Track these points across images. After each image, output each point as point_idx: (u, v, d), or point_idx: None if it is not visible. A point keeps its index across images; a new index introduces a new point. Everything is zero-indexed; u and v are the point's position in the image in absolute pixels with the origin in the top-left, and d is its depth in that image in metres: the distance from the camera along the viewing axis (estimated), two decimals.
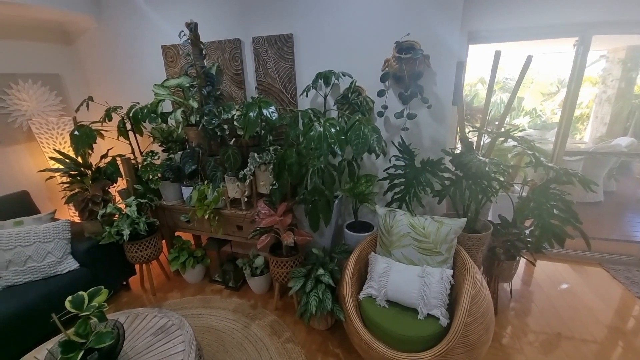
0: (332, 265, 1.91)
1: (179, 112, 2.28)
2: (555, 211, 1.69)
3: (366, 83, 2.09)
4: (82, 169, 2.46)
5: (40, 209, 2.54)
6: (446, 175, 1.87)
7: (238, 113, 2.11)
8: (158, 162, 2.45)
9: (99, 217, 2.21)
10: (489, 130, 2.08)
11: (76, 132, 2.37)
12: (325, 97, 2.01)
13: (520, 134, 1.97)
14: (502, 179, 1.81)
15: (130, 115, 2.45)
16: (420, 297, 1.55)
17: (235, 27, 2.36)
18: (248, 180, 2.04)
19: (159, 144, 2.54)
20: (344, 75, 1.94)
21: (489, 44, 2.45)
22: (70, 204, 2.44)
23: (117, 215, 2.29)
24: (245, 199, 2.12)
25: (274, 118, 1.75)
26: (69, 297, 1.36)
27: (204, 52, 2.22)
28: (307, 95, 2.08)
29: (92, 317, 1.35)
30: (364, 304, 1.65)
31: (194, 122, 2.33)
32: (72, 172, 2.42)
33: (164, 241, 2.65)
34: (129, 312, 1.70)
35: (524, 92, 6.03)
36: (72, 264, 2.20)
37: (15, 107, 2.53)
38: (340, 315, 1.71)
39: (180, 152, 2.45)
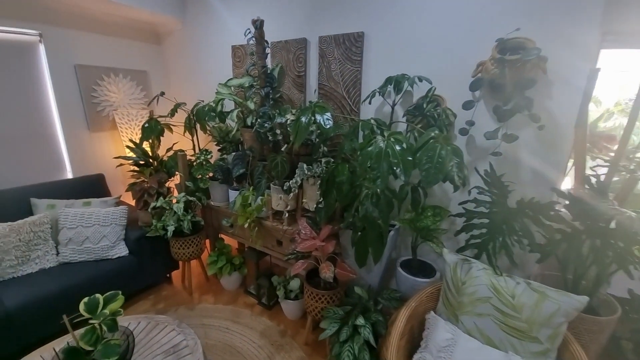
0: (376, 315, 1.50)
1: (235, 113, 2.15)
2: None
3: (448, 92, 1.63)
4: (149, 159, 2.53)
5: (111, 192, 2.69)
6: (556, 225, 1.29)
7: (292, 118, 1.86)
8: (212, 161, 2.37)
9: (149, 209, 2.19)
10: (629, 165, 1.42)
11: (146, 125, 2.43)
12: (393, 106, 1.62)
13: None
14: None
15: (194, 112, 2.43)
16: None
17: (303, 25, 2.14)
18: (292, 194, 1.77)
19: (216, 143, 2.46)
20: (420, 80, 1.52)
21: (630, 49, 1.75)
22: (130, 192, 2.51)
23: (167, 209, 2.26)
24: (287, 214, 1.85)
25: (327, 126, 1.43)
26: (85, 299, 1.24)
27: (267, 51, 2.05)
28: (370, 103, 1.71)
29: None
30: None
31: (249, 124, 2.17)
32: (140, 162, 2.51)
33: (207, 240, 2.57)
34: (152, 318, 1.56)
35: None
36: (122, 250, 2.22)
37: (105, 97, 2.74)
38: None
39: (233, 153, 2.32)
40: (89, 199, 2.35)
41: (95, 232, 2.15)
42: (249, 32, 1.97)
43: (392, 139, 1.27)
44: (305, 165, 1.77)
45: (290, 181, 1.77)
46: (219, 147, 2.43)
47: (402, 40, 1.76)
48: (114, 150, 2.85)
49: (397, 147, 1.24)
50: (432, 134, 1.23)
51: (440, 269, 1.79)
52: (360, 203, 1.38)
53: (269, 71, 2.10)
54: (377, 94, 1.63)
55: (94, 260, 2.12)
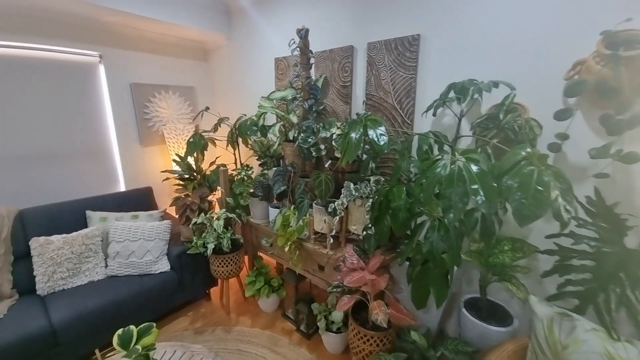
0: None
1: (277, 127, 2.03)
2: None
3: (531, 98, 1.32)
4: (193, 173, 2.52)
5: (158, 205, 2.72)
6: None
7: (338, 132, 1.67)
8: (252, 176, 2.27)
9: (191, 225, 2.14)
10: None
11: (191, 139, 2.43)
12: (460, 118, 1.35)
13: None
14: None
15: (237, 126, 2.38)
16: None
17: (349, 32, 1.97)
18: (338, 217, 1.56)
19: (257, 157, 2.37)
20: (496, 85, 1.25)
21: None
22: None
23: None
24: (331, 240, 1.65)
25: (381, 143, 1.22)
26: (119, 331, 1.15)
27: (311, 62, 1.91)
28: (434, 114, 1.46)
29: None
30: None
31: (291, 138, 2.04)
32: (184, 176, 2.51)
33: (246, 257, 2.46)
34: (187, 348, 1.44)
35: None
36: (164, 266, 2.19)
37: (156, 113, 2.82)
38: None
39: (274, 169, 2.20)
40: (137, 212, 2.38)
41: (141, 246, 2.14)
42: (293, 43, 1.84)
43: (466, 159, 1.01)
44: (352, 185, 1.56)
45: (336, 202, 1.57)
46: (260, 162, 2.33)
47: (469, 40, 1.49)
48: (162, 164, 2.90)
49: (474, 168, 0.98)
50: (523, 153, 0.95)
51: (518, 314, 1.45)
52: (426, 236, 1.13)
53: (312, 82, 1.96)
54: (441, 104, 1.37)
55: (138, 275, 2.10)
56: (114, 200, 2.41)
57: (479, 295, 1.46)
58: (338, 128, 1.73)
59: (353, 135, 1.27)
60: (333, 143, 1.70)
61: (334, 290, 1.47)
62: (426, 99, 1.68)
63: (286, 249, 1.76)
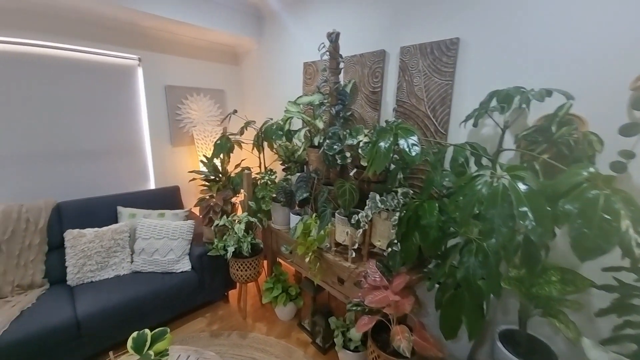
0: None
1: (302, 132, 1.98)
2: None
3: (590, 110, 1.16)
4: (219, 175, 2.54)
5: (184, 204, 2.78)
6: None
7: (365, 140, 1.59)
8: (276, 181, 2.23)
9: (213, 227, 2.14)
10: None
11: (218, 142, 2.44)
12: (504, 129, 1.21)
13: None
14: None
15: (263, 130, 2.36)
16: None
17: (382, 36, 1.88)
18: (361, 230, 1.47)
19: (281, 162, 2.33)
20: (549, 93, 1.10)
21: None
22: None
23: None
24: (353, 253, 1.56)
25: (413, 153, 1.12)
26: (134, 334, 1.13)
27: (340, 66, 1.84)
28: (475, 125, 1.32)
29: None
30: None
31: (316, 143, 1.98)
32: (210, 177, 2.53)
33: (266, 261, 2.42)
34: (201, 354, 1.41)
35: None
36: (186, 265, 2.20)
37: (187, 115, 2.89)
38: None
39: (298, 174, 2.15)
40: (163, 210, 2.43)
41: (164, 244, 2.18)
42: (323, 47, 1.79)
43: (512, 176, 0.89)
44: (378, 197, 1.46)
45: (360, 214, 1.48)
46: (284, 167, 2.29)
47: (516, 44, 1.35)
48: (190, 164, 2.96)
49: (522, 188, 0.85)
50: (585, 173, 0.81)
51: (563, 353, 1.26)
52: (462, 260, 1.00)
53: (341, 87, 1.89)
54: (484, 113, 1.23)
55: (160, 273, 2.13)
56: (144, 197, 2.48)
57: (517, 327, 1.30)
58: (365, 135, 1.64)
59: (382, 144, 1.18)
60: (359, 151, 1.62)
61: (354, 308, 1.38)
62: (463, 107, 1.55)
63: (306, 259, 1.69)
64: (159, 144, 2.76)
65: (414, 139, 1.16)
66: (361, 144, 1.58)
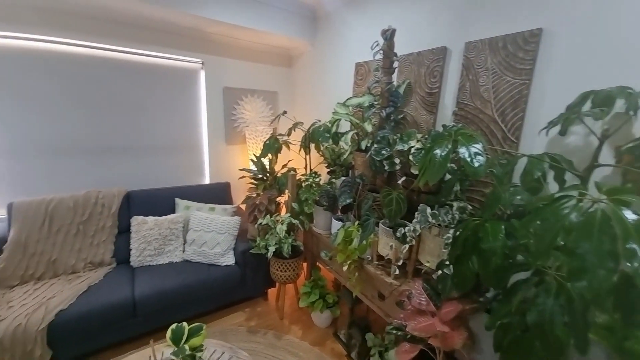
0: None
1: (350, 135, 1.88)
2: None
3: None
4: (266, 174, 2.59)
5: (233, 200, 2.89)
6: None
7: (418, 145, 1.43)
8: (320, 184, 2.17)
9: (257, 225, 2.17)
10: None
11: (267, 142, 2.48)
12: (602, 140, 0.96)
13: None
14: None
15: (310, 131, 2.33)
16: None
17: (443, 32, 1.69)
18: (408, 246, 1.32)
19: (326, 165, 2.27)
20: None
21: None
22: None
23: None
24: (397, 270, 1.41)
25: (476, 164, 0.94)
26: (173, 326, 1.16)
27: (394, 66, 1.70)
28: (563, 133, 1.08)
29: None
30: None
31: (364, 147, 1.86)
32: (258, 176, 2.59)
33: (305, 264, 2.38)
34: (235, 352, 1.41)
35: None
36: (230, 260, 2.27)
37: (241, 115, 3.00)
38: None
39: (342, 178, 2.06)
40: (214, 205, 2.55)
41: (212, 238, 2.27)
42: (377, 45, 1.67)
43: (613, 201, 0.67)
44: (429, 210, 1.30)
45: (407, 227, 1.33)
46: (329, 170, 2.22)
47: (618, 31, 1.07)
48: (240, 162, 3.08)
49: (631, 217, 0.64)
50: None
51: None
52: (534, 302, 0.81)
53: (393, 88, 1.74)
54: (575, 118, 0.99)
55: (207, 264, 2.22)
56: (198, 191, 2.64)
57: None
58: (418, 141, 1.48)
59: (438, 151, 1.02)
60: (410, 158, 1.46)
61: (394, 331, 1.23)
62: (542, 111, 1.29)
63: (345, 267, 1.59)
64: (215, 141, 2.92)
65: (477, 147, 0.98)
66: (413, 150, 1.43)
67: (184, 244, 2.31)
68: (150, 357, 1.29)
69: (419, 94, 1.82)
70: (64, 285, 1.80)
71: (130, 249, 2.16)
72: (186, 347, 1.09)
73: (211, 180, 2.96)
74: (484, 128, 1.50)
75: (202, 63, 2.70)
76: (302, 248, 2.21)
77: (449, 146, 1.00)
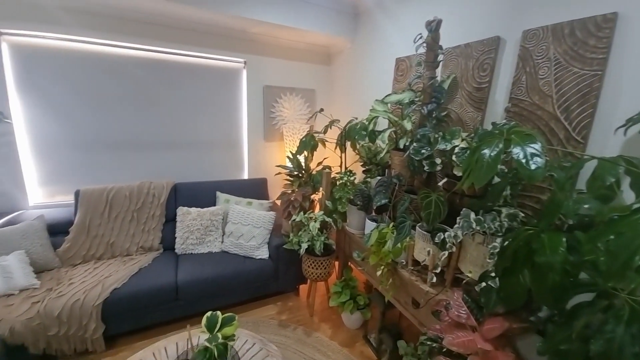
0: None
1: (387, 133, 1.80)
2: None
3: None
4: (301, 171, 2.60)
5: (269, 196, 2.96)
6: None
7: (462, 145, 1.31)
8: (355, 182, 2.12)
9: (290, 221, 2.18)
10: None
11: (303, 139, 2.49)
12: None
13: None
14: None
15: (346, 129, 2.28)
16: None
17: (496, 20, 1.53)
18: (447, 252, 1.22)
19: (362, 163, 2.21)
20: None
21: None
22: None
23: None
24: (434, 277, 1.31)
25: (533, 167, 0.82)
26: (208, 313, 1.21)
27: (439, 59, 1.58)
28: None
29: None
30: None
31: (402, 146, 1.77)
32: (293, 173, 2.61)
33: (337, 262, 2.35)
34: (265, 345, 1.43)
35: None
36: (264, 253, 2.32)
37: (280, 113, 3.06)
38: None
39: (378, 178, 1.98)
40: (251, 199, 2.63)
41: (249, 231, 2.34)
42: (420, 38, 1.56)
43: None
44: (473, 215, 1.18)
45: (447, 233, 1.23)
46: (364, 169, 2.15)
47: None
48: (277, 159, 3.13)
49: None
50: None
51: None
52: (601, 329, 0.69)
53: (437, 84, 1.63)
54: None
55: (242, 256, 2.30)
56: (237, 185, 2.74)
57: None
58: (463, 140, 1.36)
59: (486, 151, 0.92)
60: (453, 158, 1.35)
61: (428, 343, 1.15)
62: (619, 107, 1.10)
63: (378, 272, 1.53)
64: (254, 138, 3.00)
65: (535, 148, 0.86)
66: (456, 150, 1.31)
67: (223, 236, 2.42)
68: (187, 339, 1.37)
69: (465, 89, 1.68)
70: (119, 266, 1.99)
71: (175, 237, 2.31)
72: (219, 335, 1.13)
73: (249, 176, 3.06)
74: (542, 126, 1.33)
75: (245, 62, 2.79)
76: (334, 247, 2.18)
77: (500, 146, 0.89)
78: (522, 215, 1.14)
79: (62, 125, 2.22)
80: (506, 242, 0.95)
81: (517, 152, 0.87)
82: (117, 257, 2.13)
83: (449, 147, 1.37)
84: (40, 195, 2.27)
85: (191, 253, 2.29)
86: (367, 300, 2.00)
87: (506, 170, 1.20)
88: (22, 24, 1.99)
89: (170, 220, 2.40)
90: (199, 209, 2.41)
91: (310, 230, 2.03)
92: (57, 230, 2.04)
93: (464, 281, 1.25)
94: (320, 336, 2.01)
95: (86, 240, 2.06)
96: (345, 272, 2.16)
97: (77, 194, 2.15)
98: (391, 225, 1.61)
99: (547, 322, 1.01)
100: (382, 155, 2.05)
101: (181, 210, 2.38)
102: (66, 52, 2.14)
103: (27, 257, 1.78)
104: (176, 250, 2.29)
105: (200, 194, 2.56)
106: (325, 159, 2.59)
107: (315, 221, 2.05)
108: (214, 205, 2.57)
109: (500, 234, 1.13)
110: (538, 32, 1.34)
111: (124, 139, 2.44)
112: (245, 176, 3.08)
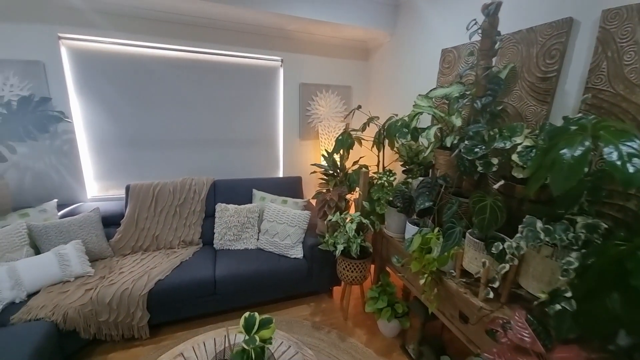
0: None
1: (432, 130, 1.66)
2: None
3: None
4: (337, 170, 2.53)
5: (304, 195, 2.93)
6: None
7: (526, 143, 1.15)
8: (394, 183, 2.00)
9: (326, 222, 2.13)
10: None
11: (339, 137, 2.42)
12: None
13: None
14: None
15: (385, 127, 2.17)
16: None
17: (567, 0, 1.32)
18: (508, 266, 1.07)
19: (402, 163, 2.08)
20: None
21: None
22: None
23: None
24: (489, 291, 1.17)
25: (631, 170, 0.67)
26: (246, 314, 1.19)
27: (496, 47, 1.41)
28: None
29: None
30: None
31: (449, 145, 1.62)
32: (329, 172, 2.55)
33: (373, 266, 2.24)
34: (301, 348, 1.39)
35: None
36: (299, 253, 2.30)
37: (315, 111, 3.01)
38: None
39: (420, 179, 1.85)
40: (287, 197, 2.62)
41: (284, 229, 2.33)
42: (474, 24, 1.41)
43: None
44: (539, 224, 1.02)
45: (506, 243, 1.08)
46: (404, 169, 2.02)
47: None
48: (313, 157, 3.10)
49: None
50: None
51: None
52: None
53: (493, 74, 1.46)
54: None
55: (277, 254, 2.30)
56: (273, 183, 2.74)
57: None
58: (526, 137, 1.19)
59: (567, 151, 0.77)
60: (515, 158, 1.19)
61: None
62: None
63: (421, 281, 1.41)
64: (290, 136, 3.00)
65: (633, 147, 0.70)
66: (519, 149, 1.15)
67: (258, 233, 2.44)
68: (225, 336, 1.37)
69: (526, 79, 1.48)
70: (163, 259, 2.08)
71: (214, 233, 2.37)
72: (257, 337, 1.10)
73: (284, 174, 3.06)
74: (629, 121, 1.12)
75: (282, 61, 2.78)
76: (370, 250, 2.09)
77: (587, 144, 0.75)
78: (605, 227, 0.96)
79: (113, 124, 2.38)
80: (590, 259, 0.80)
81: (609, 151, 0.72)
82: (161, 250, 2.24)
83: (508, 145, 1.21)
84: (96, 189, 2.47)
85: (228, 249, 2.33)
86: (406, 309, 1.88)
87: (590, 175, 1.02)
88: (78, 29, 2.16)
89: (209, 216, 2.47)
90: (236, 205, 2.45)
91: (346, 232, 1.96)
92: (110, 222, 2.20)
93: (535, 302, 1.10)
94: (355, 342, 1.93)
95: (135, 232, 2.19)
96: (383, 277, 2.05)
97: (127, 189, 2.29)
98: (436, 230, 1.48)
99: (634, 352, 0.83)
100: (425, 154, 1.91)
101: (220, 207, 2.43)
102: (114, 55, 2.28)
103: (83, 246, 1.93)
104: (214, 246, 2.35)
105: (238, 191, 2.61)
106: (361, 157, 2.50)
107: (352, 222, 1.97)
108: (251, 202, 2.60)
109: (575, 247, 0.96)
110: (622, 11, 1.13)
111: (167, 136, 2.56)
112: (281, 174, 3.08)
